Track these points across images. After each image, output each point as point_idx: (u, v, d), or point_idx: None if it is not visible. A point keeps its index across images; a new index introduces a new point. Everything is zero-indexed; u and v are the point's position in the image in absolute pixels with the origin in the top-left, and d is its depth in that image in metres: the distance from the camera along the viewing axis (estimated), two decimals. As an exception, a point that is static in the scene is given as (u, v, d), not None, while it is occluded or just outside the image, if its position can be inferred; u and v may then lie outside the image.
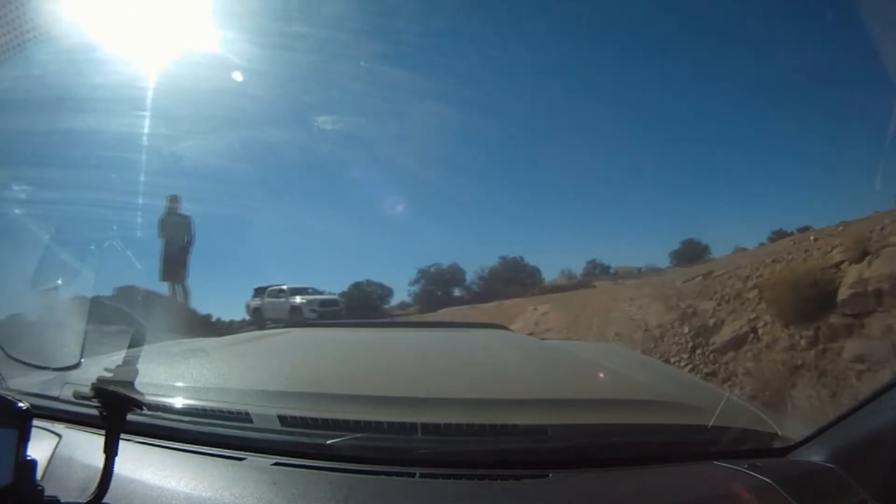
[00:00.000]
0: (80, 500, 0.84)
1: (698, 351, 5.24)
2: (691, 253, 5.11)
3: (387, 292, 5.63)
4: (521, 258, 5.03)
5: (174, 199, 3.87)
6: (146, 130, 3.01)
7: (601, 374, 1.91)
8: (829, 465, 1.00)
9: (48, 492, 0.81)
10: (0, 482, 0.75)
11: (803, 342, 4.84)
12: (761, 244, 5.40)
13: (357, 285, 5.92)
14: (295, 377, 1.81)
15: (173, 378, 1.69)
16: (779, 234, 5.38)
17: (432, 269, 5.50)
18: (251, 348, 2.56)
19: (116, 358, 1.49)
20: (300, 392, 1.56)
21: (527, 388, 1.64)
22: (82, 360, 1.56)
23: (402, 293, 5.63)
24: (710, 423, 1.16)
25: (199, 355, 2.13)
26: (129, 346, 1.56)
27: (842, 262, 4.75)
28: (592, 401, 1.48)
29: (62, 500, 0.82)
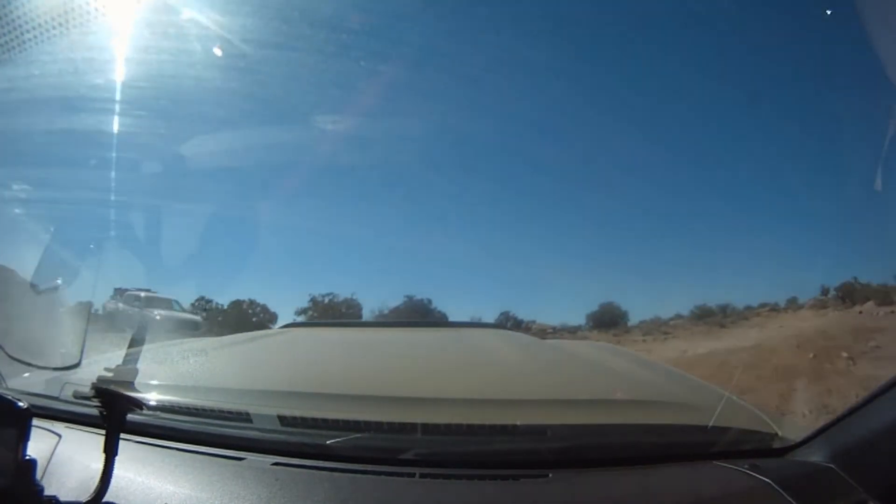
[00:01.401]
0: (80, 500, 0.84)
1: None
2: (609, 317, 4.90)
3: (270, 318, 4.94)
4: (430, 301, 4.41)
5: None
6: (147, 130, 3.00)
7: (601, 374, 1.91)
8: (829, 465, 1.00)
9: (48, 491, 0.81)
10: None
11: None
12: (678, 315, 5.05)
13: (237, 304, 5.11)
14: (295, 377, 1.81)
15: (173, 378, 1.69)
16: (703, 311, 5.09)
17: (326, 300, 4.90)
18: (251, 348, 2.56)
19: (116, 358, 1.50)
20: (300, 392, 1.56)
21: (527, 388, 1.64)
22: (82, 359, 1.56)
23: (286, 320, 4.96)
24: (710, 424, 1.17)
25: (198, 355, 2.14)
26: (129, 346, 1.57)
27: None
28: (592, 401, 1.48)
29: (62, 500, 0.81)
